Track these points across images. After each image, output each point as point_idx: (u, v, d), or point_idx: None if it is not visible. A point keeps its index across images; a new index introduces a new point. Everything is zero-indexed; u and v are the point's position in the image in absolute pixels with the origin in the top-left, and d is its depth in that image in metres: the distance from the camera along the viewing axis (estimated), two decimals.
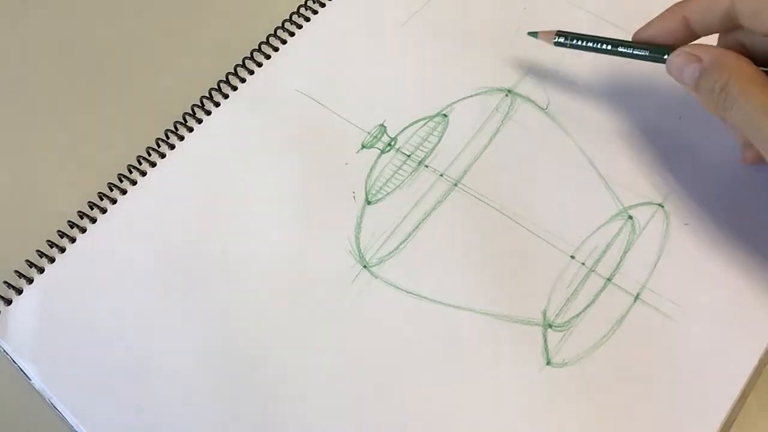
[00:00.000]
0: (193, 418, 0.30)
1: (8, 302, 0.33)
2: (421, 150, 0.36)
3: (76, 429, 0.30)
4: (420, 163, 0.36)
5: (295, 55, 0.39)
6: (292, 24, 0.40)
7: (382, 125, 0.37)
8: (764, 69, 0.29)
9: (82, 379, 0.31)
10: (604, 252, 0.33)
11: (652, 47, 0.32)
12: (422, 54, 0.39)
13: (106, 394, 0.31)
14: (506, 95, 0.37)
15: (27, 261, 0.34)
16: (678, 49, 0.31)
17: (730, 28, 0.31)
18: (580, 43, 0.34)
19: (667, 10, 0.32)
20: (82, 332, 0.32)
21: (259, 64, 0.39)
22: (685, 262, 0.32)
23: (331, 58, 0.39)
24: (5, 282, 0.33)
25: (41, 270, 0.34)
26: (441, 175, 0.35)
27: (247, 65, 0.39)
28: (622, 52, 0.33)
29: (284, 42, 0.40)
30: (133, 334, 0.32)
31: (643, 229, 0.33)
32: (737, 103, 0.29)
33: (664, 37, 0.32)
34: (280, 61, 0.39)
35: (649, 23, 0.32)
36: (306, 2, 0.41)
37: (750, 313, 0.30)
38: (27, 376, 0.31)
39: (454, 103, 0.37)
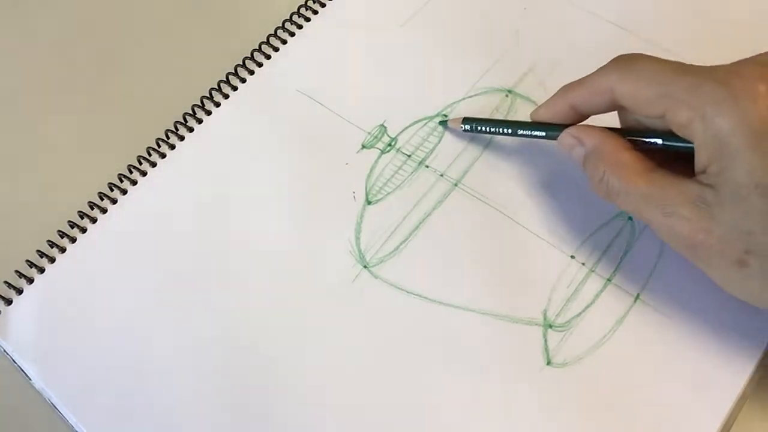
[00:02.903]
0: (193, 418, 0.30)
1: (9, 302, 0.33)
2: (421, 150, 0.36)
3: (76, 429, 0.30)
4: (420, 163, 0.36)
5: (295, 55, 0.39)
6: (292, 24, 0.40)
7: (382, 125, 0.37)
8: (651, 142, 0.29)
9: (82, 379, 0.31)
10: (605, 252, 0.33)
11: (547, 128, 0.32)
12: (422, 54, 0.39)
13: (106, 394, 0.31)
14: (506, 95, 0.37)
15: (27, 261, 0.34)
16: (565, 130, 0.31)
17: (619, 109, 0.30)
18: (483, 128, 0.35)
19: (556, 94, 0.32)
20: (83, 332, 0.32)
21: (260, 64, 0.39)
22: (684, 263, 0.32)
23: (331, 58, 0.39)
24: (5, 282, 0.33)
25: (42, 270, 0.34)
26: (441, 176, 0.35)
27: (247, 65, 0.39)
28: (521, 134, 0.33)
29: (284, 42, 0.40)
30: (134, 333, 0.32)
31: (643, 229, 0.33)
32: (620, 194, 0.29)
33: (556, 118, 0.32)
34: (281, 61, 0.39)
35: (542, 105, 0.32)
36: (306, 2, 0.41)
37: (749, 313, 0.30)
38: (27, 376, 0.31)
39: (454, 103, 0.37)
